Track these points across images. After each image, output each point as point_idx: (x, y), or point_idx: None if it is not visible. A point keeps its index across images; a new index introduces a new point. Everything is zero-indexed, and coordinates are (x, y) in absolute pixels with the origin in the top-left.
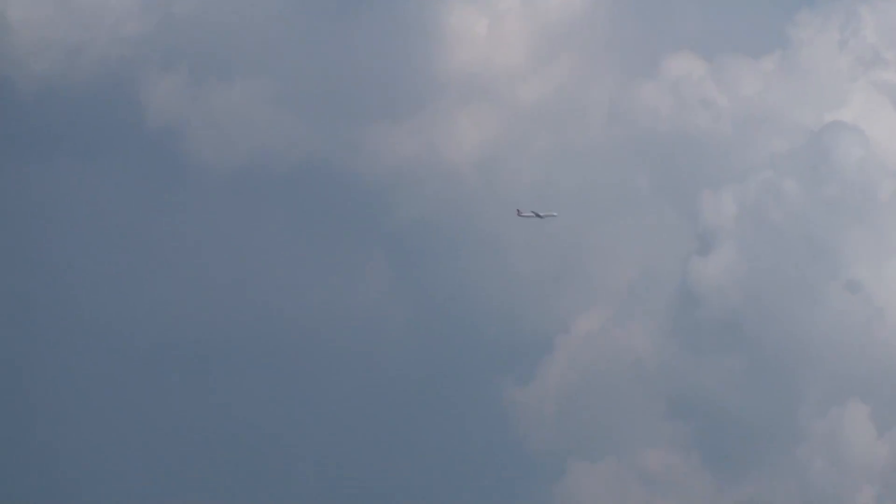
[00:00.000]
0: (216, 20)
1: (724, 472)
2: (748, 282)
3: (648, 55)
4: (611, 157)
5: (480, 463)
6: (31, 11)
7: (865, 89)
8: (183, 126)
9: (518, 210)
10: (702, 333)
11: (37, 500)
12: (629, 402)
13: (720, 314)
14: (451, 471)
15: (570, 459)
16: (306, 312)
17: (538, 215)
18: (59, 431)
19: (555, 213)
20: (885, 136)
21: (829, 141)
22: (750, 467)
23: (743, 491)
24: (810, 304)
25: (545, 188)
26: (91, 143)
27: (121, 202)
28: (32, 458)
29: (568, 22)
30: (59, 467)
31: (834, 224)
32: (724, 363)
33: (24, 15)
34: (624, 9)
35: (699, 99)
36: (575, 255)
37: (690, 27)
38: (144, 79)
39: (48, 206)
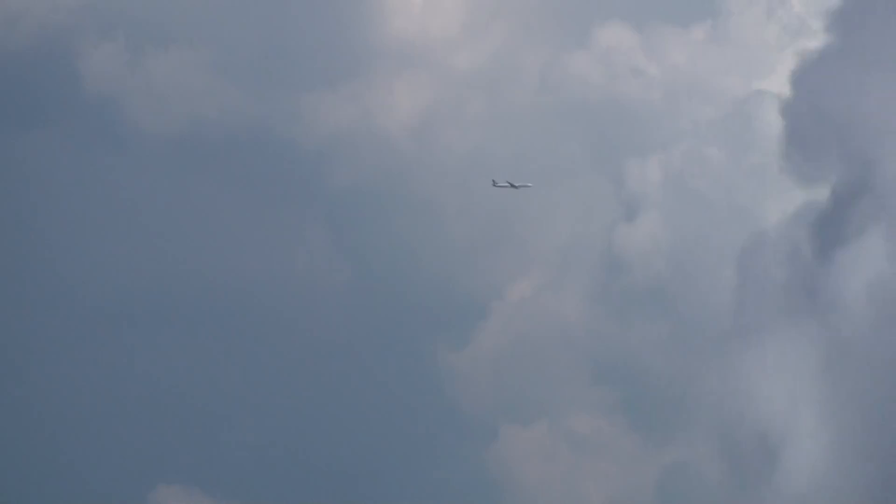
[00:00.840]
0: None
1: (650, 435)
2: (672, 249)
3: (580, 25)
4: (543, 125)
5: (414, 426)
6: None
7: (792, 58)
8: (121, 94)
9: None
10: (627, 300)
11: None
12: (559, 368)
13: (645, 280)
14: (384, 433)
15: (503, 423)
16: (241, 277)
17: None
18: None
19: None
20: None
21: (752, 110)
22: (675, 430)
23: (668, 453)
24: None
25: (478, 155)
26: (28, 112)
27: (58, 170)
28: None
29: None
30: None
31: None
32: (649, 329)
33: None
34: None
35: (630, 68)
36: (509, 221)
37: None
38: (82, 47)
39: None
